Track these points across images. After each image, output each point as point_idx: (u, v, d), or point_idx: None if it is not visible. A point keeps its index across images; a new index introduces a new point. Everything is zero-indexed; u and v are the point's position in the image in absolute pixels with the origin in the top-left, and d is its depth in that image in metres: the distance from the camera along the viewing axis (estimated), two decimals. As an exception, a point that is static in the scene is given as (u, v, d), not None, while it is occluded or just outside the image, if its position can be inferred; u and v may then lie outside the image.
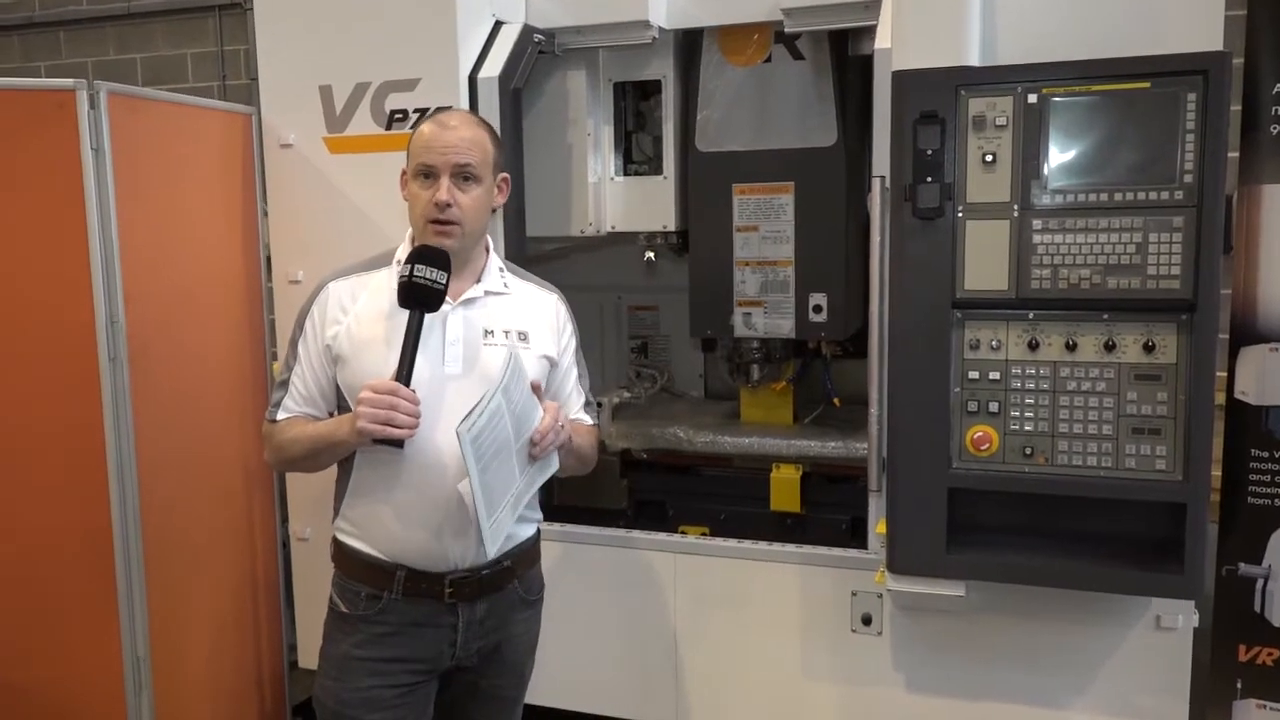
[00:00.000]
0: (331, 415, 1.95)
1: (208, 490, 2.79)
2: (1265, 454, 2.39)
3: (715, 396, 3.50)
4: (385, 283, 1.93)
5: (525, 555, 2.04)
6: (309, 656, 2.95)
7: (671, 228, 3.02)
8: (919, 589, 2.36)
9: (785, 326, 2.88)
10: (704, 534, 2.92)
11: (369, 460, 1.90)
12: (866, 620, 2.60)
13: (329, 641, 2.00)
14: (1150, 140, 2.13)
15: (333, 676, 1.96)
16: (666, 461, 3.15)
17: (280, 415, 1.97)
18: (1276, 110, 2.32)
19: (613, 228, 3.07)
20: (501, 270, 2.02)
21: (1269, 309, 2.35)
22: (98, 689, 2.53)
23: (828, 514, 2.91)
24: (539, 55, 2.86)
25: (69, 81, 2.34)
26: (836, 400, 3.11)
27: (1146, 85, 2.11)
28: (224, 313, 2.84)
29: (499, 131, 2.66)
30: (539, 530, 2.10)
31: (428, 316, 1.82)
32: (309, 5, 2.81)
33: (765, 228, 2.87)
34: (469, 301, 1.93)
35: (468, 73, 2.70)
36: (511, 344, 1.92)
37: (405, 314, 1.81)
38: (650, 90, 3.08)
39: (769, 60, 2.85)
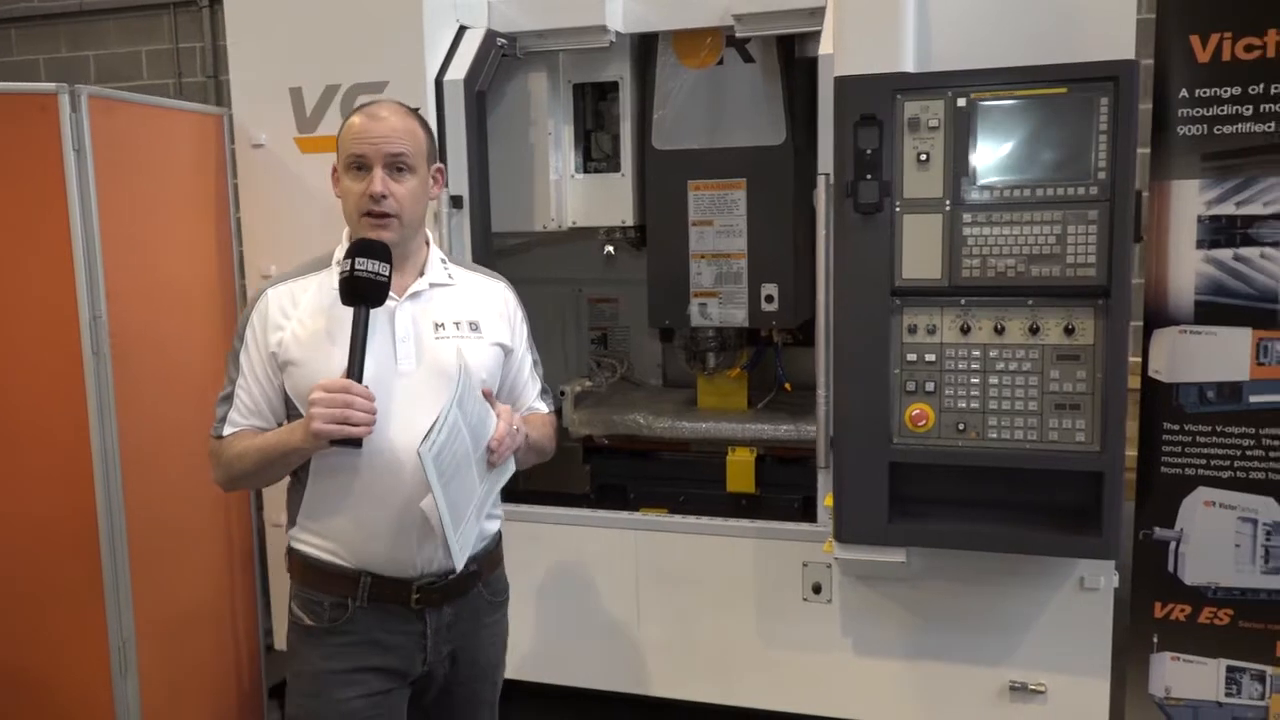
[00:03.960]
0: (281, 425, 1.88)
1: (188, 480, 2.83)
2: (1176, 427, 2.57)
3: (673, 384, 3.61)
4: (326, 283, 1.86)
5: (489, 558, 2.01)
6: (284, 639, 3.04)
7: (630, 222, 3.14)
8: (864, 556, 2.53)
9: (739, 316, 3.02)
10: (663, 515, 3.04)
11: (324, 469, 1.84)
12: (817, 589, 2.76)
13: (297, 658, 1.93)
14: (1068, 140, 2.32)
15: (306, 693, 1.90)
16: (627, 447, 3.26)
17: (227, 430, 1.89)
18: (1183, 112, 2.49)
19: (573, 223, 3.19)
20: (444, 262, 1.97)
21: (1178, 295, 2.53)
22: (84, 673, 2.61)
23: (781, 494, 3.04)
24: (502, 58, 2.96)
25: (51, 85, 2.42)
26: (788, 385, 3.25)
27: (1064, 90, 2.31)
28: (202, 309, 2.92)
29: (466, 132, 2.80)
30: (500, 532, 2.06)
31: (373, 312, 1.77)
32: (280, 9, 2.89)
33: (719, 222, 3.00)
34: (415, 295, 1.88)
35: (434, 75, 2.80)
36: (463, 335, 1.89)
37: (350, 312, 1.75)
38: (608, 91, 3.19)
39: (721, 63, 2.98)
